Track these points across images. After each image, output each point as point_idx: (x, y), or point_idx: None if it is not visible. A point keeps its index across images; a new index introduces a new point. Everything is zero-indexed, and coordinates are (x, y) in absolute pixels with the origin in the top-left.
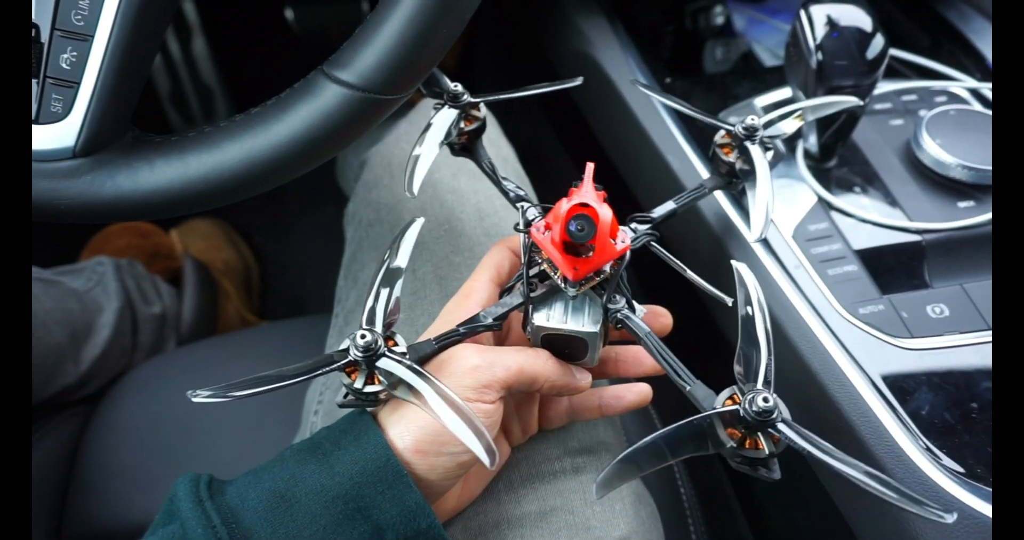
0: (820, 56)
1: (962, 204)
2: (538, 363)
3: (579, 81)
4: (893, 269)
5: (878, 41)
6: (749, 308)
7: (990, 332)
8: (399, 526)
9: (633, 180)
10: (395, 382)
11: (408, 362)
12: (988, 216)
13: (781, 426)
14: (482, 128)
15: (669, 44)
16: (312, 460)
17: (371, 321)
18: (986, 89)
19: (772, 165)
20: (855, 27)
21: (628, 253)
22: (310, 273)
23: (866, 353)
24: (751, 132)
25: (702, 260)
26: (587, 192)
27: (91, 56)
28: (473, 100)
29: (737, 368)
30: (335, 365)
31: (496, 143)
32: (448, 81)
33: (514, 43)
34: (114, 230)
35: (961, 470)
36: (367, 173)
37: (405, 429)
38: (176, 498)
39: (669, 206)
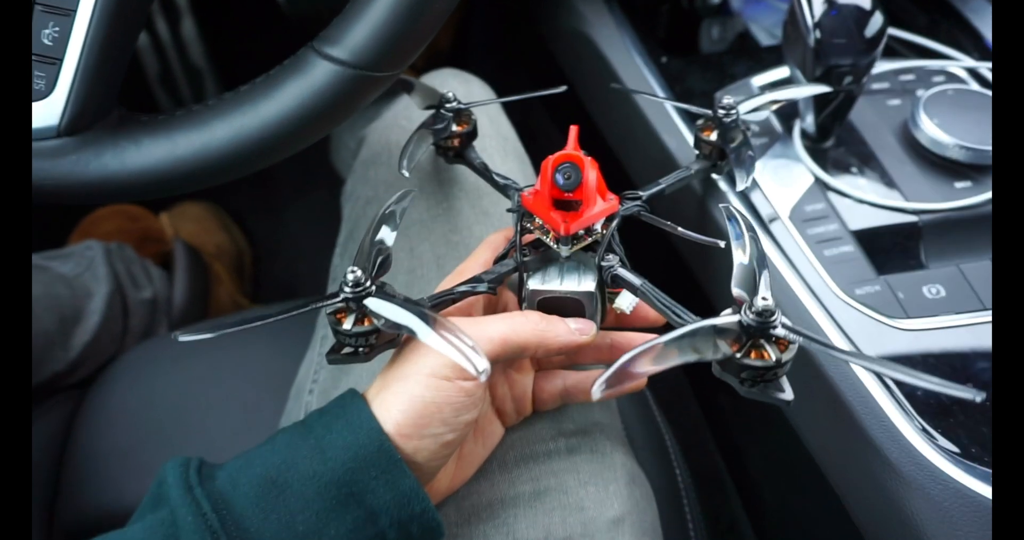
0: (818, 34)
1: (959, 184)
2: (526, 328)
3: (563, 89)
4: (889, 250)
5: (877, 19)
6: (739, 236)
7: (986, 312)
8: (393, 511)
9: (628, 159)
10: (388, 322)
11: (399, 298)
12: (985, 196)
13: (783, 329)
14: (474, 132)
15: (665, 23)
16: (304, 445)
17: (363, 265)
18: (984, 68)
19: (768, 146)
20: (854, 5)
21: (619, 214)
22: (303, 257)
23: (862, 334)
24: (728, 111)
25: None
26: (571, 146)
27: (74, 31)
28: (463, 105)
29: (736, 291)
30: (325, 303)
31: (496, 121)
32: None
33: (509, 22)
34: (103, 213)
35: (957, 450)
36: (365, 150)
37: (387, 413)
38: (165, 483)
39: (658, 185)
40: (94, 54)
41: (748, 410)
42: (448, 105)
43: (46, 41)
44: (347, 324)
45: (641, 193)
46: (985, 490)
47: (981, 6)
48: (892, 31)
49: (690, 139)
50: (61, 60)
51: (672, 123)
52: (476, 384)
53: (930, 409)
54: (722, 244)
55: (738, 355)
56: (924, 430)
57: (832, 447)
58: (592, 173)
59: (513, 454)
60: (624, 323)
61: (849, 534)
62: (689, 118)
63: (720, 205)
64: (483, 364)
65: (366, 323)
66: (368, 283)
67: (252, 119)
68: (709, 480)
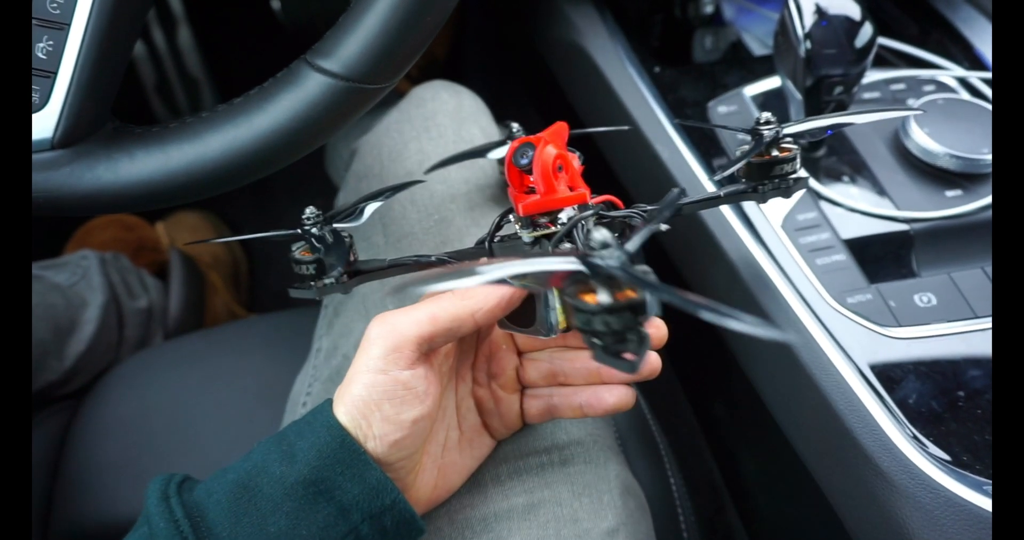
0: (808, 45)
1: (950, 193)
2: (452, 301)
3: (627, 128)
4: (881, 258)
5: (866, 30)
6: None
7: (977, 321)
8: (363, 504)
9: (622, 170)
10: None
11: (339, 226)
12: (976, 205)
13: (611, 262)
14: None
15: (658, 33)
16: (276, 450)
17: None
18: (974, 78)
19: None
20: (843, 15)
21: (590, 212)
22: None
23: (854, 342)
24: (775, 130)
25: (689, 248)
26: (543, 134)
27: (68, 45)
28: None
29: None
30: (283, 233)
31: (488, 133)
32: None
33: (504, 33)
34: (98, 223)
35: (948, 458)
36: (357, 163)
37: (343, 407)
38: (147, 498)
39: (673, 207)
40: (88, 67)
41: (743, 418)
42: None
43: (40, 55)
44: (296, 253)
45: (649, 208)
46: (976, 498)
47: (971, 16)
48: (883, 41)
49: (684, 150)
50: (55, 73)
51: (666, 134)
52: (414, 371)
53: (921, 417)
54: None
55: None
56: (915, 438)
57: (823, 455)
58: (551, 153)
59: (506, 467)
60: (604, 376)
61: None
62: (685, 128)
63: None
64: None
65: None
66: (319, 216)
67: (245, 131)
68: (704, 488)
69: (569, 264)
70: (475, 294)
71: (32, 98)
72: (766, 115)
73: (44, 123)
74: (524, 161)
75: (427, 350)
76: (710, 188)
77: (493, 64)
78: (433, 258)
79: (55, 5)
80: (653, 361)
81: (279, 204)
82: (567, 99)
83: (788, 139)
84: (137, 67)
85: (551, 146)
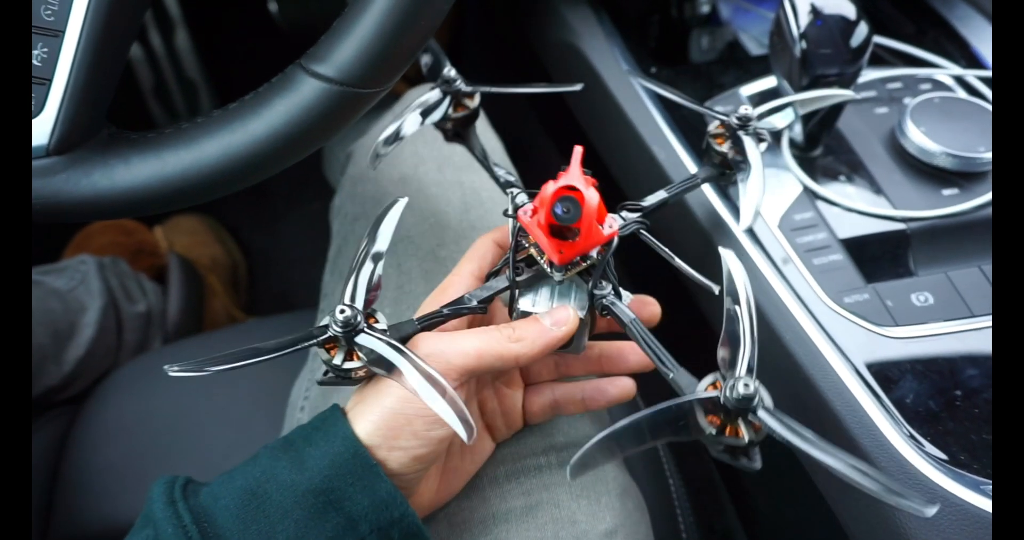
0: (804, 45)
1: (946, 192)
2: (499, 341)
3: (578, 87)
4: (878, 258)
5: (862, 29)
6: (734, 296)
7: (975, 319)
8: (372, 517)
9: (619, 171)
10: (374, 359)
11: (387, 337)
12: (973, 203)
13: (762, 413)
14: (474, 116)
15: (654, 33)
16: (284, 457)
17: (351, 298)
18: (971, 76)
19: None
20: (839, 15)
21: (616, 239)
22: (298, 268)
23: (851, 342)
24: (744, 122)
25: (689, 251)
26: (574, 174)
27: (62, 52)
28: (466, 89)
29: (721, 354)
30: (314, 340)
31: (484, 136)
32: (447, 65)
33: (500, 34)
34: (97, 228)
35: (944, 457)
36: (352, 167)
37: (360, 423)
38: (151, 501)
39: (660, 195)
40: (83, 74)
41: None
42: (447, 86)
43: (35, 61)
44: (337, 359)
45: (643, 204)
46: (973, 498)
47: (968, 14)
48: (879, 39)
49: (680, 150)
50: (50, 80)
51: (663, 135)
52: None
53: (918, 416)
54: (716, 290)
55: (714, 431)
56: (912, 437)
57: None
58: (594, 201)
59: (504, 469)
60: (616, 329)
61: None
62: (681, 129)
63: (722, 248)
64: (471, 429)
65: (355, 359)
66: (358, 319)
67: (240, 137)
68: (703, 489)
69: (712, 399)
70: (525, 337)
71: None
72: (745, 110)
73: (40, 130)
74: (567, 215)
75: (466, 381)
76: (707, 189)
77: (490, 65)
78: (466, 310)
79: (50, 12)
80: (626, 385)
81: (277, 207)
82: (564, 100)
83: (734, 128)
84: (135, 70)
85: (592, 191)
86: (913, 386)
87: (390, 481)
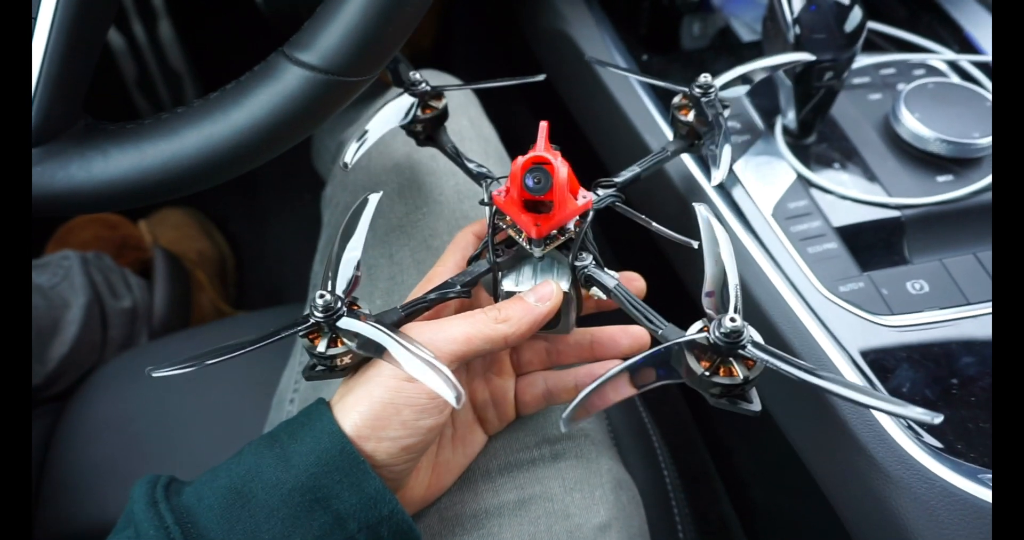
0: (797, 30)
1: (941, 178)
2: (488, 324)
3: (541, 77)
4: (873, 245)
5: (856, 14)
6: (712, 243)
7: (970, 307)
8: (360, 514)
9: (608, 156)
10: (360, 342)
11: (370, 320)
12: (967, 190)
13: (751, 348)
14: (443, 116)
15: (645, 20)
16: (269, 454)
17: (332, 285)
18: (964, 61)
19: (750, 143)
20: (832, 0)
21: (591, 211)
22: (287, 261)
23: (846, 331)
24: (706, 89)
25: (670, 222)
26: (541, 146)
27: (34, 41)
28: (430, 89)
29: (706, 301)
30: (296, 328)
31: (477, 124)
32: (409, 70)
33: (491, 22)
34: (79, 222)
35: (941, 446)
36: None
37: (346, 416)
38: (132, 501)
39: (634, 170)
40: (56, 62)
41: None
42: (413, 89)
43: None
44: (320, 346)
45: (616, 180)
46: (971, 487)
47: None
48: (872, 25)
49: (664, 129)
50: None
51: (653, 121)
52: None
53: (915, 404)
54: (695, 245)
55: (707, 373)
56: (909, 427)
57: (817, 445)
58: (563, 172)
59: (497, 462)
60: (604, 307)
61: (838, 532)
62: (664, 102)
63: (695, 203)
64: (457, 392)
65: (339, 345)
66: (339, 304)
67: (222, 127)
68: (698, 480)
69: (701, 341)
70: (511, 317)
71: None
72: (704, 78)
73: None
74: (539, 186)
75: (455, 368)
76: (699, 177)
77: (480, 53)
78: (452, 293)
79: None
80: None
81: (265, 199)
82: (555, 88)
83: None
84: (117, 61)
85: (563, 164)
86: (909, 375)
87: (378, 477)
